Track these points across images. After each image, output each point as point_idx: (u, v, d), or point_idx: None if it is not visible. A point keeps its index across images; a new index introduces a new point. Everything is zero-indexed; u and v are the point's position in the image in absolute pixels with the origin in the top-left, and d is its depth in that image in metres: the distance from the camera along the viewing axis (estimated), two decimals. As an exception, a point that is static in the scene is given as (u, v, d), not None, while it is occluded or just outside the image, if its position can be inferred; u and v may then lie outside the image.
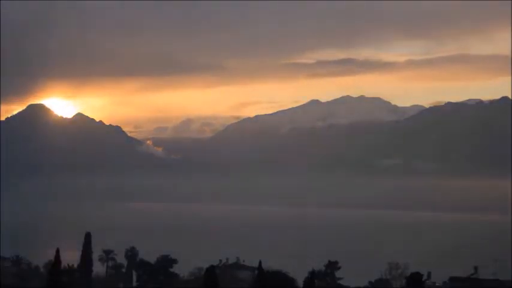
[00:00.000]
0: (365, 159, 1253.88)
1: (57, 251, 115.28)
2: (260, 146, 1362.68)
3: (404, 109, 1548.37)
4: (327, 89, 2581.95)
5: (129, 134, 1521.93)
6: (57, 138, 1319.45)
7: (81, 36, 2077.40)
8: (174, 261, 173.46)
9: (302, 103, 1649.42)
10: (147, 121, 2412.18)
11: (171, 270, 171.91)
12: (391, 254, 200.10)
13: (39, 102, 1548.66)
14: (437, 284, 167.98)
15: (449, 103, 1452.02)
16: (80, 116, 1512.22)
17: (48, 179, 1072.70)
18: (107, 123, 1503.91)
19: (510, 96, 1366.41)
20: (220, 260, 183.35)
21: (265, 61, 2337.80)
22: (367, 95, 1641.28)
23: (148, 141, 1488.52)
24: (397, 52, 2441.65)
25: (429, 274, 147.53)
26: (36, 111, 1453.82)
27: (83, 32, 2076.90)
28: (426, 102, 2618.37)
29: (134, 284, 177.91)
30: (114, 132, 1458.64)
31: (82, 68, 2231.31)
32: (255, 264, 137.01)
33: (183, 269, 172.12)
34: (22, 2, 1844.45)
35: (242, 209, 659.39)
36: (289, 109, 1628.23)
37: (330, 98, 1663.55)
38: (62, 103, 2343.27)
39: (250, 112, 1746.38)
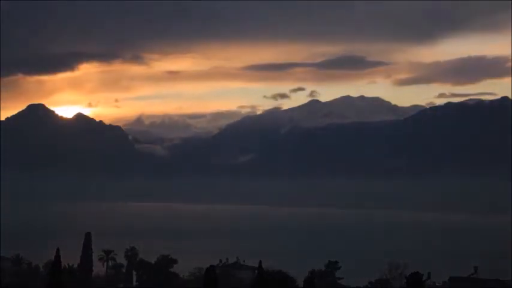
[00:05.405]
0: (365, 159, 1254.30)
1: (57, 251, 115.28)
2: (260, 146, 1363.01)
3: (404, 109, 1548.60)
4: (327, 89, 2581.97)
5: (129, 134, 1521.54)
6: (57, 138, 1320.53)
7: (81, 35, 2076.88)
8: (174, 261, 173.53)
9: (302, 103, 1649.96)
10: (147, 120, 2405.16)
11: (171, 270, 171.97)
12: (391, 254, 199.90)
13: (39, 102, 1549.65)
14: (437, 284, 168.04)
15: (449, 103, 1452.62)
16: (80, 116, 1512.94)
17: (48, 178, 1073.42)
18: (107, 123, 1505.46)
19: (510, 96, 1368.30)
20: (220, 260, 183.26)
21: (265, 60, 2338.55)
22: (367, 95, 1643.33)
23: (148, 141, 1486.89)
24: (396, 52, 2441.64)
25: (429, 274, 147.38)
26: (36, 111, 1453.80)
27: (82, 31, 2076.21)
28: (426, 102, 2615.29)
29: (134, 284, 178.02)
30: (114, 132, 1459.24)
31: (82, 67, 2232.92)
32: (255, 264, 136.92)
33: (183, 269, 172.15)
34: (22, 2, 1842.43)
35: (242, 209, 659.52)
36: (289, 109, 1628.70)
37: (330, 98, 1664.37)
38: (62, 103, 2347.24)
39: (251, 111, 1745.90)
